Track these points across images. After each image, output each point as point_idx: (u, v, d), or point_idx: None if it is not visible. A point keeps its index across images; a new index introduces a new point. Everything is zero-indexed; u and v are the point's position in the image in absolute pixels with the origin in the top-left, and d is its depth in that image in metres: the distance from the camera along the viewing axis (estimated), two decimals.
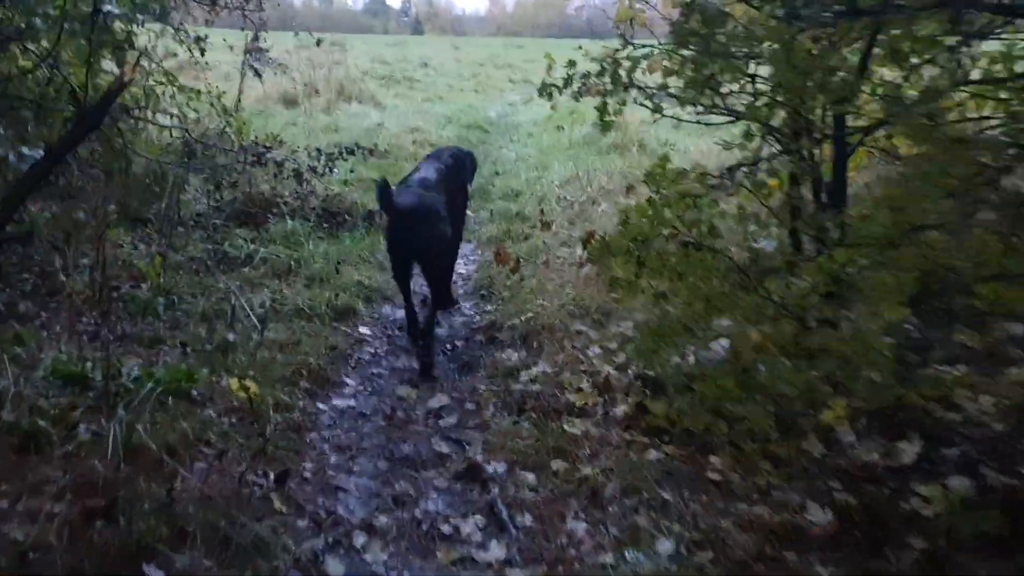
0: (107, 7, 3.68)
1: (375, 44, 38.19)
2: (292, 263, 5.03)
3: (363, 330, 4.46)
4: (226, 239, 5.33)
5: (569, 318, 4.32)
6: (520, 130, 11.14)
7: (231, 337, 3.99)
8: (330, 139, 9.07)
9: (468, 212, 5.86)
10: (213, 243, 5.24)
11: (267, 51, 6.90)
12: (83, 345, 3.71)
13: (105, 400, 3.19)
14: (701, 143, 7.89)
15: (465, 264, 5.62)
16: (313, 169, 6.21)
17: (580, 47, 5.82)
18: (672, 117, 3.87)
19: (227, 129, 7.00)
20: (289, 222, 5.58)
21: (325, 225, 5.72)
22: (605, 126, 3.61)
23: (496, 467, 3.13)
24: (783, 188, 3.92)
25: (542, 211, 6.10)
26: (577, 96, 3.56)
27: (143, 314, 4.21)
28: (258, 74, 6.63)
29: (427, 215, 4.13)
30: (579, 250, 5.28)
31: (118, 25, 5.54)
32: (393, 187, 4.20)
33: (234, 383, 3.11)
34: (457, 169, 4.80)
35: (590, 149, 8.75)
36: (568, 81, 3.52)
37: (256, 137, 7.07)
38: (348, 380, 3.91)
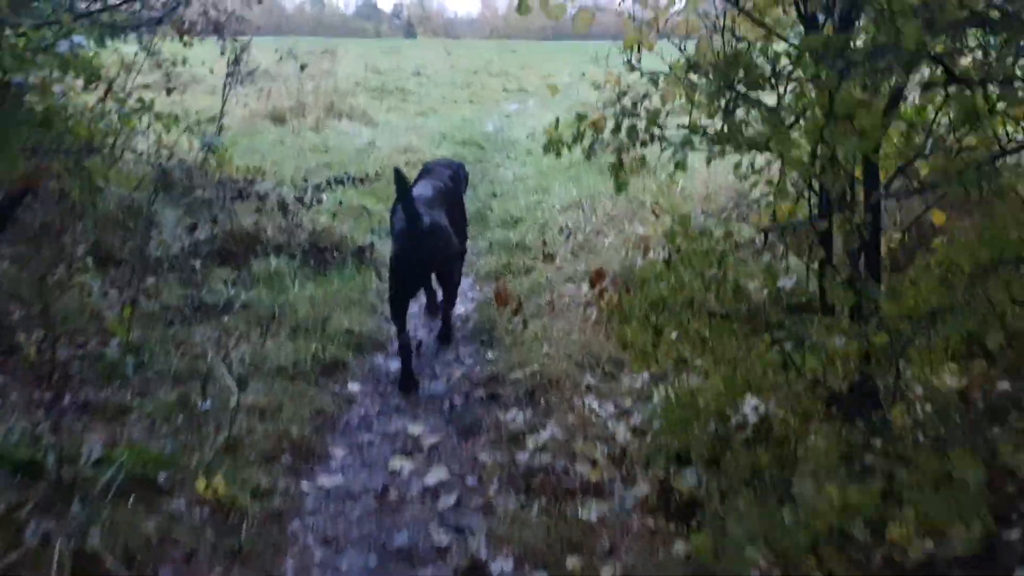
0: (17, 78, 3.26)
1: (367, 48, 37.83)
2: (276, 309, 4.66)
3: (352, 387, 4.07)
4: (205, 281, 4.95)
5: (577, 369, 3.95)
6: (517, 146, 10.76)
7: (205, 405, 3.62)
8: (319, 160, 8.72)
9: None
10: (190, 287, 4.86)
11: (252, 72, 6.51)
12: (39, 420, 3.34)
13: (58, 494, 2.83)
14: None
15: (463, 302, 5.24)
16: (300, 200, 5.84)
17: (584, 74, 5.43)
18: (696, 149, 3.50)
19: (208, 156, 6.64)
20: (273, 260, 5.20)
21: (312, 263, 5.34)
22: (620, 187, 3.23)
23: (502, 565, 2.76)
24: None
25: (544, 242, 5.72)
26: (589, 153, 3.17)
27: (110, 376, 3.83)
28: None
29: (434, 230, 4.22)
30: (585, 287, 4.93)
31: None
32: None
33: (201, 483, 2.74)
34: (455, 184, 4.97)
35: (590, 168, 8.33)
36: (578, 137, 3.13)
37: (237, 167, 6.72)
38: (335, 451, 3.52)
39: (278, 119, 10.79)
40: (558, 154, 3.18)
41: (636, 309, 2.76)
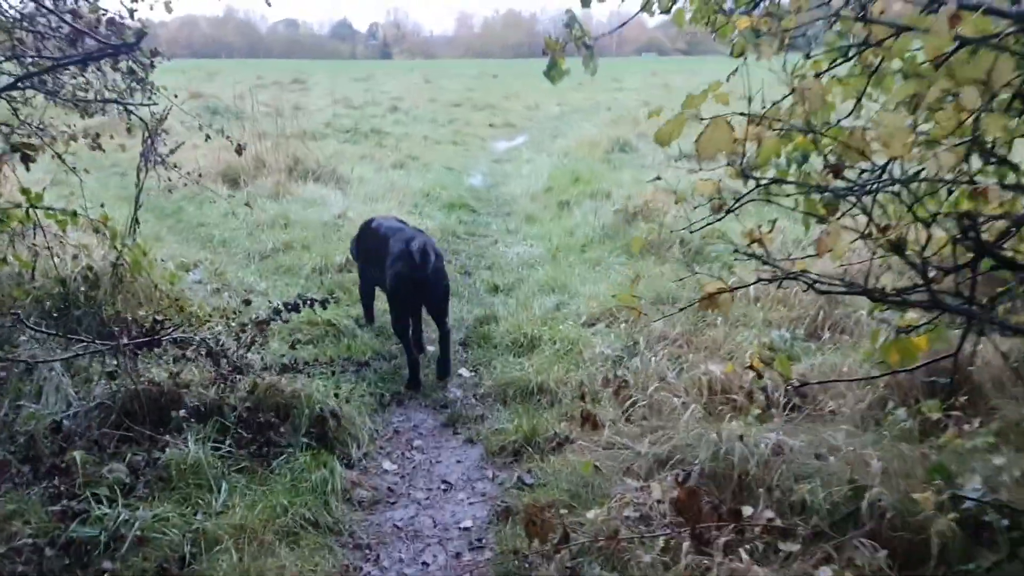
0: None
1: (341, 75, 36.27)
2: (187, 548, 3.01)
3: None
4: (86, 489, 3.30)
5: None
6: (516, 208, 9.13)
7: None
8: (276, 239, 7.10)
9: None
10: (62, 502, 3.21)
11: (168, 156, 4.89)
12: None
13: None
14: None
15: (469, 500, 3.61)
16: (239, 338, 4.22)
17: (657, 178, 3.85)
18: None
19: (119, 261, 5.00)
20: (191, 446, 3.54)
21: (250, 444, 3.68)
22: None
23: None
24: None
25: (583, 394, 4.10)
26: None
27: None
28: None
29: (439, 261, 4.77)
30: (657, 490, 3.32)
31: None
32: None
33: None
34: None
35: (613, 247, 6.77)
36: None
37: (163, 275, 5.09)
38: None
39: (231, 179, 9.14)
40: None
41: None
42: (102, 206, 5.32)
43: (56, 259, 5.15)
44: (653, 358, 4.29)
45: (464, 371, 4.81)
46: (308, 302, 4.32)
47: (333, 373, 4.55)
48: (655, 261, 6.27)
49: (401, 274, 4.64)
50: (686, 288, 5.39)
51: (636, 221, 7.11)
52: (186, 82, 25.90)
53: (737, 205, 2.92)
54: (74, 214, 4.82)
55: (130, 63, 3.90)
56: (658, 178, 3.00)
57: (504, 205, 9.39)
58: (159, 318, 3.94)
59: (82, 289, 5.01)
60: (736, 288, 2.54)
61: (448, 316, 4.86)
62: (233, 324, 4.09)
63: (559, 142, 14.34)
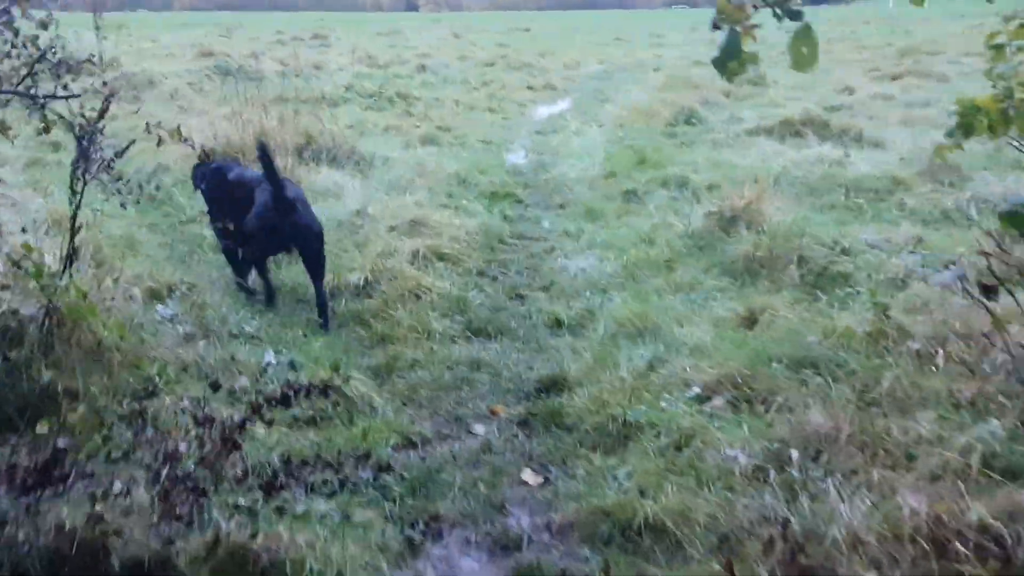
0: None
1: (365, 29, 34.53)
2: None
3: None
4: None
5: None
6: (571, 198, 7.57)
7: None
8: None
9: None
10: None
11: (118, 155, 3.47)
12: None
13: None
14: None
15: None
16: (207, 422, 2.82)
17: None
18: None
19: (47, 315, 3.61)
20: None
21: None
22: None
23: None
24: None
25: (730, 565, 2.64)
26: None
27: None
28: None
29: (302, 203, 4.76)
30: None
31: None
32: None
33: None
34: None
35: (709, 263, 5.27)
36: None
37: (101, 340, 3.70)
38: None
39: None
40: None
41: None
42: (24, 230, 3.94)
43: None
44: (832, 489, 2.79)
45: (528, 474, 3.37)
46: (302, 391, 2.92)
47: (342, 485, 3.16)
48: (768, 286, 4.78)
49: (266, 217, 4.51)
50: (832, 340, 3.90)
51: (736, 227, 5.58)
52: (200, 38, 24.47)
53: None
54: None
55: None
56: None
57: (556, 193, 7.84)
58: (62, 444, 2.53)
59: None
60: None
61: (324, 273, 4.77)
62: (189, 433, 2.67)
63: (609, 109, 12.73)
